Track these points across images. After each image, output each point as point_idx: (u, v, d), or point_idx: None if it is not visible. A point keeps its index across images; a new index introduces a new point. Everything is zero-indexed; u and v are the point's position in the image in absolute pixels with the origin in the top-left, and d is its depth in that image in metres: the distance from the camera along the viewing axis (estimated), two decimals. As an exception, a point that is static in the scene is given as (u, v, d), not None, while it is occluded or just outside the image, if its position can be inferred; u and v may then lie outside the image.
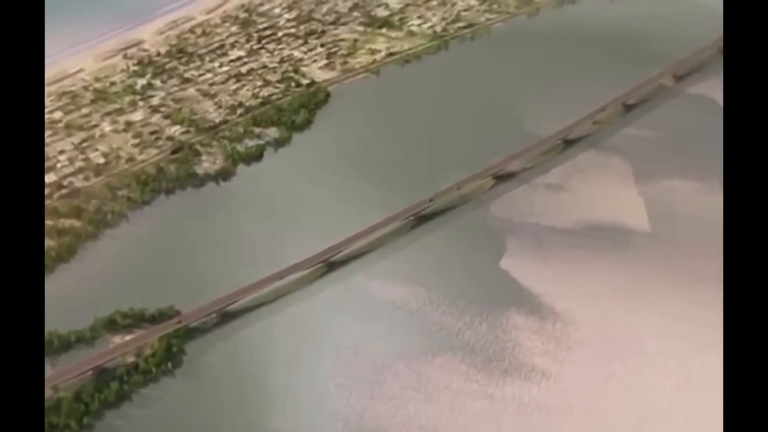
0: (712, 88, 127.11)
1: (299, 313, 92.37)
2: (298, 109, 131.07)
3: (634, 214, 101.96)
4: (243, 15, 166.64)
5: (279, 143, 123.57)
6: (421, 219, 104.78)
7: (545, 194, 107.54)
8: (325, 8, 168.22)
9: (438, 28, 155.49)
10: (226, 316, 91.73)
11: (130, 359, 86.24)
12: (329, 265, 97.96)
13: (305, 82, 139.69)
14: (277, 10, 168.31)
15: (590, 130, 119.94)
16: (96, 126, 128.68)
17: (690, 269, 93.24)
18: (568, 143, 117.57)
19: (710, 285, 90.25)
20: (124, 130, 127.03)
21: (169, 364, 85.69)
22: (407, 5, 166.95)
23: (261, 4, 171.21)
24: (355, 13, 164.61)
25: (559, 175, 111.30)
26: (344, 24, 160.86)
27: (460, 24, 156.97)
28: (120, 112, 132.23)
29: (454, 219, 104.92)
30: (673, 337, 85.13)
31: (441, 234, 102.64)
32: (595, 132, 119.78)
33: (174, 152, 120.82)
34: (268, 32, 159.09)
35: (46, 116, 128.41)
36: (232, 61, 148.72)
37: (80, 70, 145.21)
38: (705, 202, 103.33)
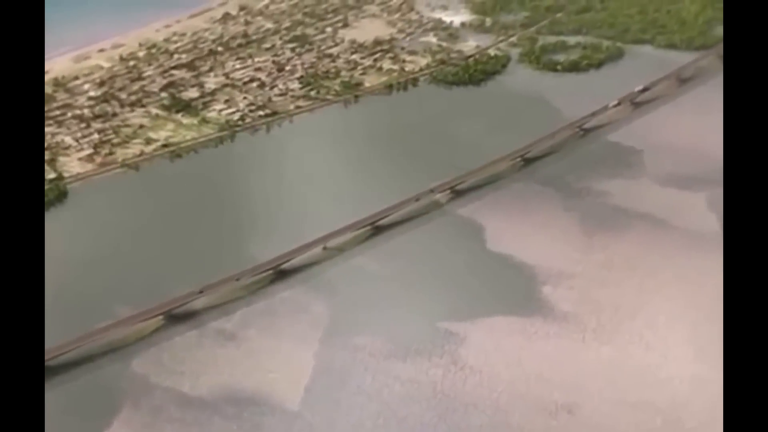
0: (484, 209, 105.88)
1: None
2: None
3: (293, 385, 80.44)
4: (49, 90, 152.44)
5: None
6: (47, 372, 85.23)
7: (210, 345, 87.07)
8: (136, 86, 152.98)
9: (236, 116, 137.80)
10: None
11: None
12: None
13: (52, 176, 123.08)
14: (86, 86, 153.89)
15: (315, 259, 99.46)
16: None
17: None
18: (281, 275, 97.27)
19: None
20: None
21: None
22: (224, 86, 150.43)
23: (75, 78, 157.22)
24: (164, 94, 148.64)
25: (243, 319, 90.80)
26: (143, 106, 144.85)
27: (265, 111, 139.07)
28: None
29: (84, 374, 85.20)
30: None
31: (54, 394, 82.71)
32: (319, 262, 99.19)
33: None
34: (58, 112, 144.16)
35: None
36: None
37: None
38: (381, 370, 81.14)
